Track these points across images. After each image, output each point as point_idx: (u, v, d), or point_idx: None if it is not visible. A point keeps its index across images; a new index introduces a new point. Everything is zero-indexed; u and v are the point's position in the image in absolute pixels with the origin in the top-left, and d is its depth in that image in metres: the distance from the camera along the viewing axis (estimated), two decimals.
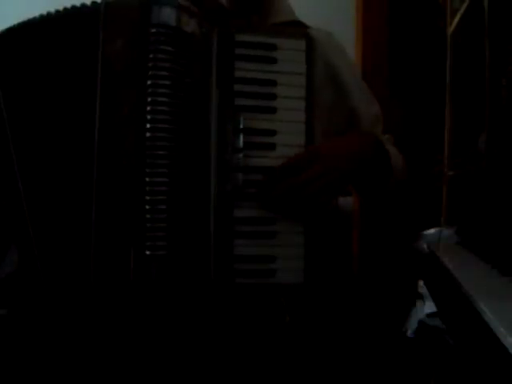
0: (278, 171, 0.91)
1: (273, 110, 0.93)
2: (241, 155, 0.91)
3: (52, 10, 0.93)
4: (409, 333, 1.52)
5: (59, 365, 0.91)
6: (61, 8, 0.93)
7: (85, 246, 0.85)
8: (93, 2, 0.90)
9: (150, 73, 0.86)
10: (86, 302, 0.87)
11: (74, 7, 0.91)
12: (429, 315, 1.44)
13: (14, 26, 0.95)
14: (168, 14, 0.88)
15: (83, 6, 0.91)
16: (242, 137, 0.90)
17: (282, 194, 0.90)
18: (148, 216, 0.84)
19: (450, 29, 1.62)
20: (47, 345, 0.91)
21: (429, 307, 1.44)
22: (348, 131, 1.10)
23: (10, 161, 0.92)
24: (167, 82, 0.86)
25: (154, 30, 0.86)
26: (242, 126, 0.91)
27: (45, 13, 0.93)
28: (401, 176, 1.08)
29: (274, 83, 0.93)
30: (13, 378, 0.91)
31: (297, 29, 1.06)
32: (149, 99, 0.86)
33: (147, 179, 0.85)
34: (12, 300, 0.95)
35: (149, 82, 0.86)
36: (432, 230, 1.37)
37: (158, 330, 0.89)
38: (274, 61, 0.93)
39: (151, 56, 0.86)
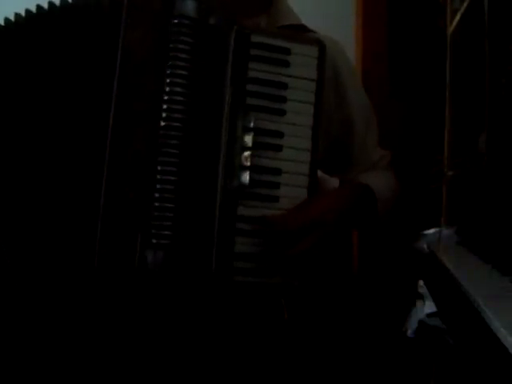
0: (273, 237, 0.91)
1: (282, 113, 0.93)
2: (249, 154, 0.91)
3: None
4: (409, 333, 1.52)
5: (54, 361, 0.91)
6: None
7: (91, 233, 0.85)
8: None
9: (169, 63, 0.86)
10: (88, 290, 0.87)
11: None
12: (429, 315, 1.44)
13: (34, 13, 0.94)
14: (190, 7, 0.88)
15: None
16: (251, 136, 0.91)
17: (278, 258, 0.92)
18: (157, 205, 0.85)
19: (450, 29, 1.62)
20: (42, 343, 0.91)
21: (429, 307, 1.44)
22: (342, 137, 1.12)
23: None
24: (185, 73, 0.87)
25: (175, 21, 0.87)
26: (252, 126, 0.91)
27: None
28: (389, 208, 1.10)
29: (285, 86, 0.93)
30: (9, 378, 0.91)
31: (310, 35, 1.07)
32: (167, 89, 0.86)
33: (159, 168, 0.85)
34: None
35: (168, 72, 0.86)
36: (432, 230, 1.37)
37: (158, 319, 0.90)
38: (286, 64, 0.94)
39: (171, 46, 0.87)
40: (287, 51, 0.94)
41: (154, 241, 0.85)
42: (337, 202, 1.01)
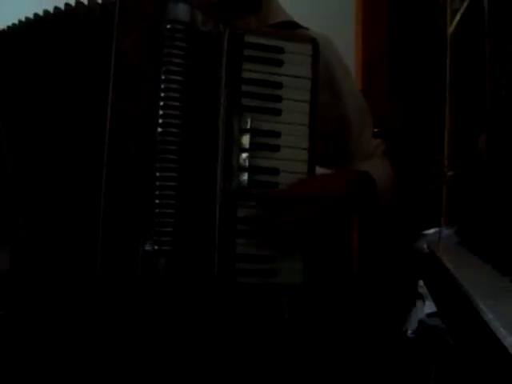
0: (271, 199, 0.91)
1: (278, 112, 0.93)
2: (247, 155, 0.91)
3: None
4: (409, 333, 1.52)
5: (58, 364, 0.91)
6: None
7: (92, 239, 0.85)
8: None
9: (163, 68, 0.86)
10: (90, 296, 0.87)
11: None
12: (429, 315, 1.44)
13: (29, 20, 0.94)
14: (183, 11, 0.88)
15: None
16: (248, 137, 0.91)
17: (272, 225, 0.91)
18: (157, 211, 0.85)
19: (450, 29, 1.63)
20: (45, 344, 0.91)
21: (429, 307, 1.44)
22: (338, 135, 1.12)
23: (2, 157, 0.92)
24: (180, 78, 0.87)
25: (169, 26, 0.87)
26: (248, 127, 0.91)
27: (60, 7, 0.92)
28: (389, 197, 1.09)
29: (280, 85, 0.93)
30: (11, 379, 0.91)
31: (303, 33, 1.07)
32: (162, 94, 0.86)
33: (157, 174, 0.85)
34: (7, 300, 0.94)
35: (163, 78, 0.86)
36: (432, 230, 1.37)
37: (162, 323, 0.90)
38: (280, 63, 0.93)
39: (165, 51, 0.86)
40: (280, 50, 0.94)
41: (156, 247, 0.84)
42: (337, 181, 1.01)
